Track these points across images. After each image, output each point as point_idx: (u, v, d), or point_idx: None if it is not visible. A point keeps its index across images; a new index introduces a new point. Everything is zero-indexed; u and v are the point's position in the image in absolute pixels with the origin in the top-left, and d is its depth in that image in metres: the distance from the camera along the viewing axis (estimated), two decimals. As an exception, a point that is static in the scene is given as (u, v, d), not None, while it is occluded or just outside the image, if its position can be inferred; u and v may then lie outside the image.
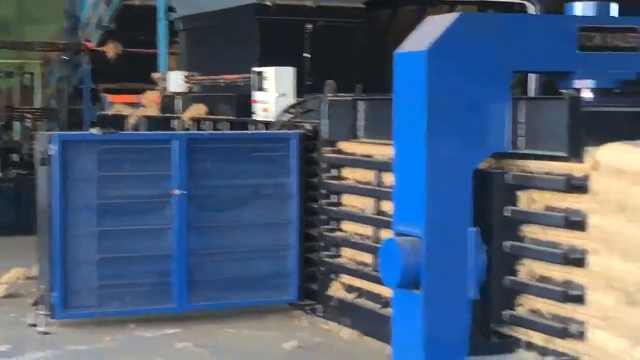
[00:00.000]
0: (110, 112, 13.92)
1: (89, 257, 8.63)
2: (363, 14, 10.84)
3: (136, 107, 13.28)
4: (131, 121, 12.85)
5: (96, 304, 8.66)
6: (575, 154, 6.48)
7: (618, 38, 7.07)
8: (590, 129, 6.50)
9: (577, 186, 6.45)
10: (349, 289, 8.85)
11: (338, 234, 9.06)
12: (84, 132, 10.43)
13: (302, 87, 10.25)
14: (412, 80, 6.80)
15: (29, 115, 16.49)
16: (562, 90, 7.16)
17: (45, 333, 8.39)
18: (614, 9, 7.56)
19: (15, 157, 14.35)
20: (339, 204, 9.07)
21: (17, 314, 8.99)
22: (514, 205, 6.97)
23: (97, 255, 8.64)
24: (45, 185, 8.71)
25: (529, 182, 6.89)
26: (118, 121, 13.06)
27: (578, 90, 7.15)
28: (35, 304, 8.81)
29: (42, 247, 8.88)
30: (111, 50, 15.42)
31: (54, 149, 8.48)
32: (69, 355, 7.86)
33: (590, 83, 7.16)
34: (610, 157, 6.30)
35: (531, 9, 10.68)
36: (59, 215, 8.48)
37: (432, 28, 6.86)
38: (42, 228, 8.88)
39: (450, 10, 10.84)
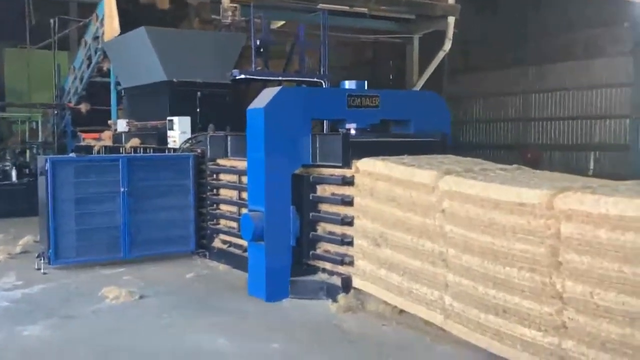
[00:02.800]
0: (83, 144, 13.37)
1: (70, 228, 8.14)
2: (230, 86, 10.63)
3: (99, 141, 12.81)
4: (96, 149, 12.34)
5: (75, 255, 8.21)
6: (346, 164, 6.57)
7: (367, 101, 7.16)
8: (354, 150, 6.58)
9: (348, 182, 6.55)
10: (224, 242, 8.64)
11: (217, 211, 8.81)
12: (66, 156, 9.91)
13: (195, 128, 9.94)
14: (257, 124, 6.75)
15: (35, 146, 15.63)
16: (340, 129, 7.27)
17: (45, 273, 8.00)
18: (365, 85, 7.69)
19: (26, 171, 13.68)
20: (217, 194, 8.82)
21: (28, 263, 8.50)
22: (315, 193, 6.98)
23: (75, 227, 8.17)
24: (43, 187, 8.22)
25: (322, 180, 6.92)
26: (88, 149, 12.54)
27: (348, 129, 7.22)
28: (39, 256, 8.28)
29: (42, 223, 8.40)
30: (84, 107, 14.83)
31: (47, 166, 8.04)
32: (61, 285, 7.50)
33: (354, 125, 7.26)
34: (365, 166, 6.43)
35: (324, 84, 10.77)
36: (52, 204, 8.04)
37: (267, 95, 6.84)
38: (42, 212, 8.41)
39: (279, 85, 10.80)
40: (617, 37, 18.80)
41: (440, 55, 17.12)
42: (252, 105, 6.90)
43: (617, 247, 4.17)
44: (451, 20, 16.65)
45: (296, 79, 10.75)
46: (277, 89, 6.88)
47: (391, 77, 24.56)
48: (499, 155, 22.39)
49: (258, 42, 10.77)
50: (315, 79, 10.84)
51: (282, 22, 17.96)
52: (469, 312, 5.27)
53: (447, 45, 16.77)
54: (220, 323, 6.04)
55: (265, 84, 10.74)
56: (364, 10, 15.88)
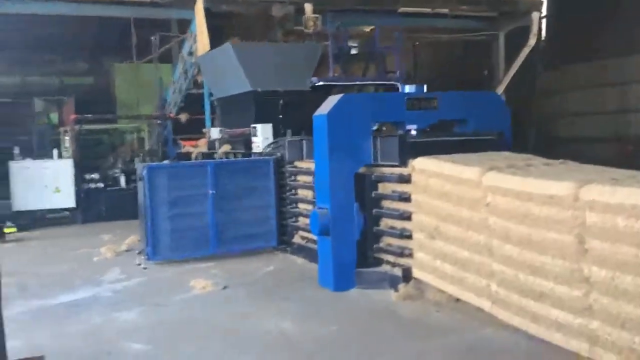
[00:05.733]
0: (183, 151, 14.35)
1: (165, 228, 8.99)
2: (309, 93, 11.04)
3: (196, 148, 13.70)
4: (193, 155, 13.22)
5: (170, 252, 9.04)
6: (403, 164, 7.03)
7: (426, 103, 7.62)
8: (412, 150, 7.02)
9: (405, 179, 7.00)
10: (303, 238, 9.23)
11: (296, 209, 9.39)
12: (160, 163, 10.68)
13: (278, 134, 10.47)
14: (321, 129, 7.34)
15: (141, 154, 16.89)
16: (399, 131, 7.72)
17: (144, 268, 8.89)
18: (425, 88, 8.10)
19: (133, 177, 14.85)
20: (295, 194, 9.41)
21: (130, 259, 9.46)
22: (376, 190, 7.46)
23: (169, 227, 9.00)
24: (141, 191, 9.12)
25: (382, 179, 7.39)
26: (187, 155, 13.44)
27: (408, 130, 7.74)
28: (139, 253, 9.31)
29: (141, 224, 9.28)
30: (183, 117, 15.88)
31: (144, 172, 8.96)
32: (156, 278, 8.36)
33: (414, 126, 7.73)
34: (419, 164, 6.88)
35: (399, 87, 11.08)
36: (148, 206, 8.92)
37: (330, 102, 7.40)
38: (141, 214, 9.28)
39: (359, 91, 11.26)
40: None
41: (525, 51, 17.11)
42: (317, 112, 7.51)
43: (632, 234, 4.50)
44: (535, 15, 16.63)
45: (370, 83, 11.25)
46: (339, 96, 7.43)
47: (486, 73, 24.51)
48: (596, 149, 21.91)
49: (335, 50, 11.42)
50: (390, 82, 11.30)
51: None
52: (511, 298, 5.67)
53: (532, 41, 16.75)
54: (289, 309, 6.72)
55: (344, 89, 11.31)
56: (445, 10, 16.19)
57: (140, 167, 9.43)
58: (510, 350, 5.34)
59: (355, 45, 17.98)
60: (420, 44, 23.18)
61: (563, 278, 5.11)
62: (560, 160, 6.39)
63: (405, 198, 7.05)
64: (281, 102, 11.18)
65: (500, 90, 17.14)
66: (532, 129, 21.99)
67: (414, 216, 7.01)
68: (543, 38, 20.29)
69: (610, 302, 4.71)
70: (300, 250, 9.24)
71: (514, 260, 5.61)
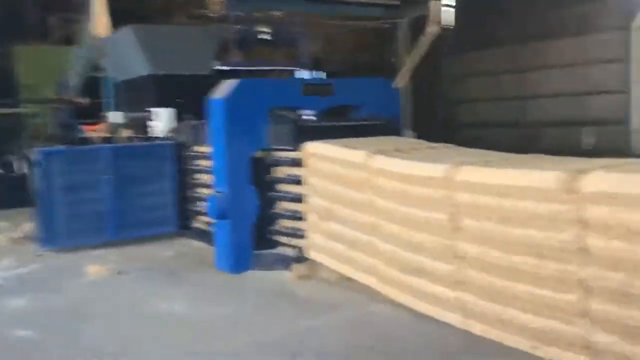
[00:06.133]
0: (83, 135, 13.94)
1: (61, 214, 8.75)
2: (211, 78, 10.78)
3: (96, 132, 13.38)
4: (95, 140, 12.90)
5: (65, 239, 8.79)
6: (297, 148, 7.16)
7: (321, 89, 7.75)
8: (306, 134, 7.17)
9: (298, 163, 7.13)
10: (203, 222, 9.12)
11: (196, 194, 9.34)
12: (56, 147, 10.32)
13: (179, 118, 10.25)
14: (217, 113, 7.38)
15: (42, 139, 16.24)
16: (293, 116, 7.81)
17: (39, 255, 8.64)
18: (323, 75, 8.23)
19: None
20: (196, 178, 9.33)
21: (26, 247, 9.15)
22: (272, 174, 7.57)
23: (65, 212, 8.76)
24: (36, 177, 8.84)
25: (277, 162, 7.51)
26: (88, 140, 13.11)
27: (300, 115, 7.84)
28: (35, 240, 8.94)
29: (37, 210, 8.89)
30: (84, 101, 15.33)
31: (39, 157, 8.72)
32: (51, 265, 8.21)
33: (309, 112, 7.87)
34: (312, 148, 7.06)
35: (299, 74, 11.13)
36: (44, 192, 8.68)
37: (226, 86, 7.44)
38: (37, 200, 8.89)
39: (262, 76, 11.25)
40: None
41: (425, 38, 17.49)
42: (212, 96, 7.52)
43: (498, 212, 4.81)
44: (433, 4, 17.03)
45: (273, 68, 11.31)
46: (235, 80, 7.48)
47: (393, 60, 24.95)
48: (497, 134, 22.82)
49: (239, 34, 11.42)
50: (293, 68, 11.38)
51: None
52: (396, 275, 5.93)
53: (431, 29, 17.10)
54: (186, 292, 6.76)
55: (246, 74, 11.29)
56: (349, -3, 16.36)
57: (34, 152, 9.14)
58: (394, 324, 5.58)
59: (268, 30, 17.98)
60: (331, 31, 23.40)
61: (439, 254, 5.39)
62: (444, 144, 6.69)
63: (299, 181, 7.18)
64: (182, 85, 10.94)
65: (401, 76, 17.46)
66: (437, 115, 22.65)
67: (307, 199, 7.16)
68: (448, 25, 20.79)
69: (481, 276, 5.01)
70: (200, 235, 9.21)
71: (397, 238, 5.86)
